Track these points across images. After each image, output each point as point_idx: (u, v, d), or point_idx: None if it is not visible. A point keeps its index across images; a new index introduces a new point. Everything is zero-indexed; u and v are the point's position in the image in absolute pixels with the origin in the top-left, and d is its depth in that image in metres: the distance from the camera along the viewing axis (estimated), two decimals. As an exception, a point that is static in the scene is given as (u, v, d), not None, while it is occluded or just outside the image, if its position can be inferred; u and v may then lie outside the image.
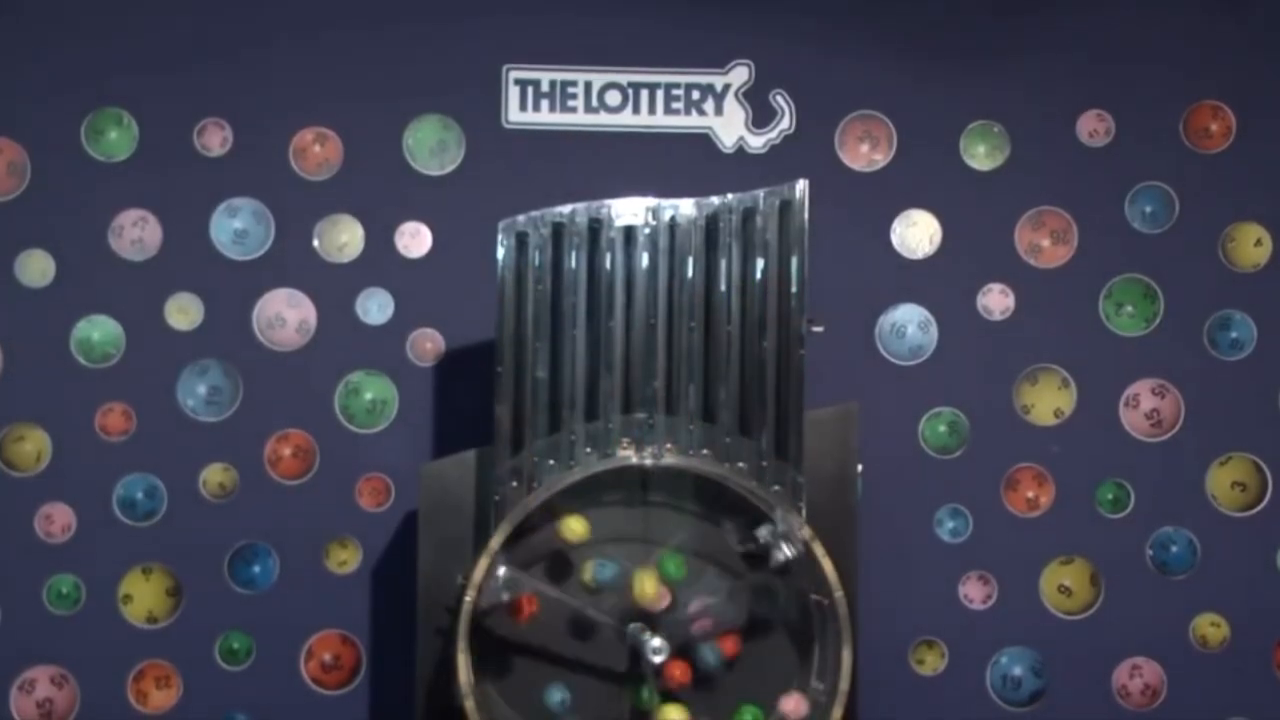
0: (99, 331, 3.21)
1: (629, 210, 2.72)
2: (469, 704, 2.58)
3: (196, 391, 3.22)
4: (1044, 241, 3.31)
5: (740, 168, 3.27)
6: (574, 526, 2.68)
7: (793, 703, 2.67)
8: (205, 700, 3.19)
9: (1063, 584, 3.26)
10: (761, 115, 3.30)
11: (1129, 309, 3.30)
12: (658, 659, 2.60)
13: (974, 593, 3.27)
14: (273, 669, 3.20)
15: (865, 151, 3.31)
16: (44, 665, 3.17)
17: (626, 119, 3.28)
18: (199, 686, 3.19)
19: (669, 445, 2.69)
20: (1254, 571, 3.27)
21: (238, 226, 3.24)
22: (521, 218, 2.71)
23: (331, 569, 3.22)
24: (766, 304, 2.71)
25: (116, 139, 3.23)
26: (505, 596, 2.62)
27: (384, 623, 3.21)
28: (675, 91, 3.29)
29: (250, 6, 3.27)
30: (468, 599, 2.59)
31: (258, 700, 3.19)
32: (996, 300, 3.30)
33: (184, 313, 3.23)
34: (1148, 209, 3.31)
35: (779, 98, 3.29)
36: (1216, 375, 3.29)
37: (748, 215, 2.72)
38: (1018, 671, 3.26)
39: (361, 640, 3.21)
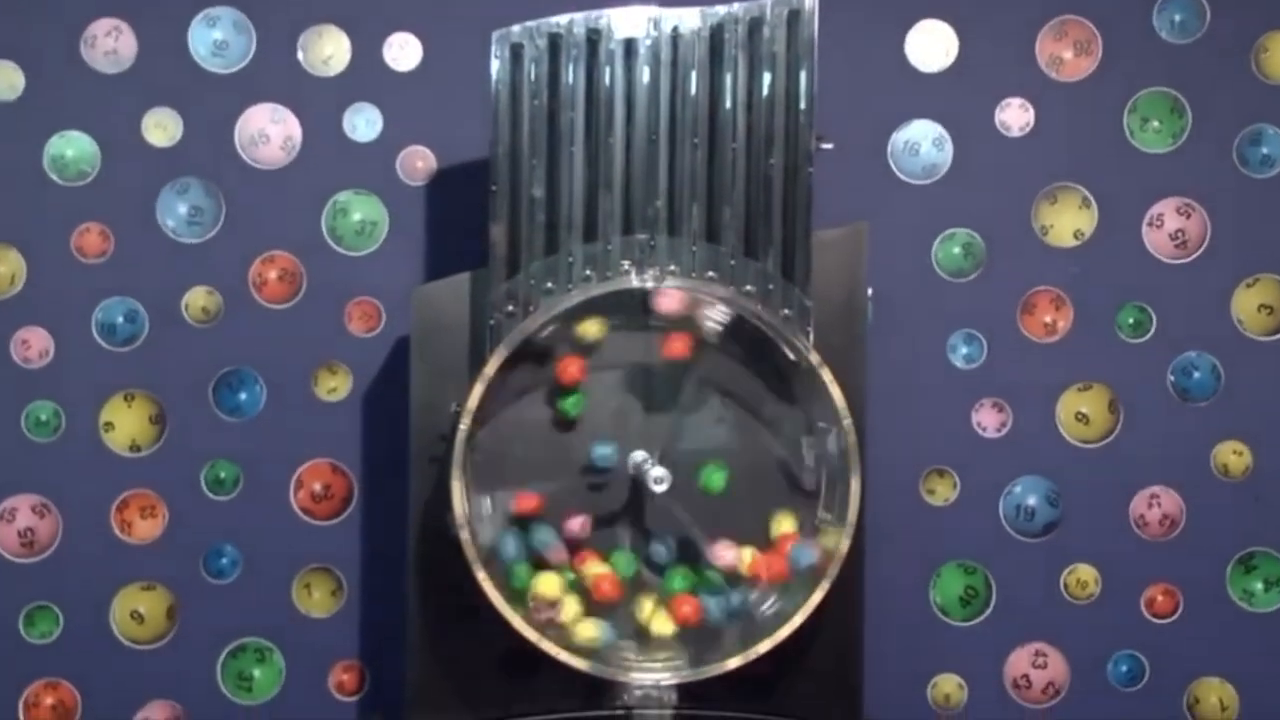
0: (73, 148, 3.11)
1: (629, 21, 2.62)
2: (464, 534, 2.53)
3: (177, 211, 3.12)
4: (1066, 53, 3.19)
5: (747, -26, 3.14)
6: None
7: (721, 548, 2.61)
8: (192, 530, 3.14)
9: (1080, 411, 3.20)
10: (769, -82, 3.16)
11: (1155, 124, 3.20)
12: (659, 488, 2.53)
13: (988, 420, 3.20)
14: (261, 499, 3.14)
15: (879, -43, 3.19)
16: (24, 494, 3.12)
17: (627, -78, 3.15)
18: (185, 516, 3.13)
19: (671, 267, 2.62)
20: (1279, 398, 3.22)
21: (217, 37, 3.13)
22: (516, 28, 2.60)
23: (321, 396, 3.15)
24: (773, 120, 2.62)
25: (86, -57, 3.10)
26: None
27: (376, 451, 3.15)
28: (678, -108, 3.15)
29: None
30: (462, 426, 2.53)
31: (246, 530, 3.14)
32: (1015, 115, 3.19)
33: (162, 128, 3.12)
34: (1176, 18, 3.19)
35: (788, -101, 3.16)
36: (1245, 193, 3.19)
37: (754, 26, 2.62)
38: (1032, 501, 3.21)
39: (353, 469, 3.16)
